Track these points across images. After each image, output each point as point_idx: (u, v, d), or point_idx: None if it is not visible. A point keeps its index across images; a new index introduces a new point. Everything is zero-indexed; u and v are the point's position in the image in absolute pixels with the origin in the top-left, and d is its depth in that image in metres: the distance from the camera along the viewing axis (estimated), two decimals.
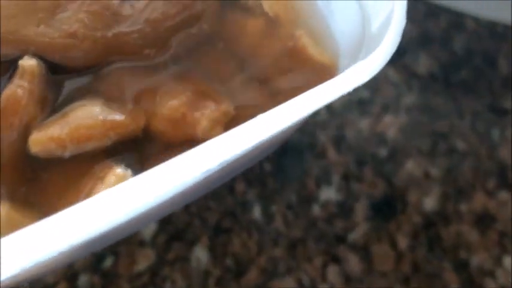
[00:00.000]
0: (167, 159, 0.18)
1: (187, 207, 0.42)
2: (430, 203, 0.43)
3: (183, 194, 0.19)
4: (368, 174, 0.44)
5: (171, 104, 0.22)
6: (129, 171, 0.21)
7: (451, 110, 0.47)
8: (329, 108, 0.46)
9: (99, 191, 0.19)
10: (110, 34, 0.22)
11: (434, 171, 0.44)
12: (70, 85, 0.23)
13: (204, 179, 0.17)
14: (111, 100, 0.22)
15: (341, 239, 0.42)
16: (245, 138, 0.18)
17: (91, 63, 0.23)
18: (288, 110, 0.19)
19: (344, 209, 0.43)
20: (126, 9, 0.23)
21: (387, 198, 0.44)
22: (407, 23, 0.51)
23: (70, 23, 0.22)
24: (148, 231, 0.41)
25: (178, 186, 0.17)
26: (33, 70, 0.21)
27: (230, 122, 0.22)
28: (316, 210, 0.43)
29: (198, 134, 0.22)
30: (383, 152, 0.45)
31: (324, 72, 0.23)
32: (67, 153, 0.21)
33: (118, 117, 0.21)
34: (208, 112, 0.22)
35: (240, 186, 0.43)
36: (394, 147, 0.45)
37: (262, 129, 0.18)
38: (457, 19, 0.50)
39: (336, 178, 0.44)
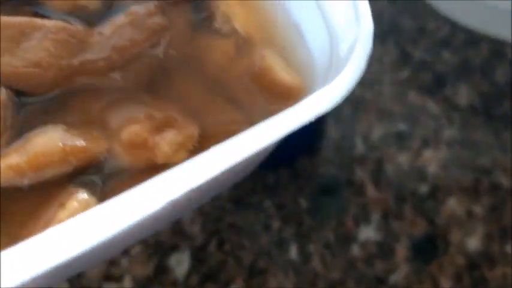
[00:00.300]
0: (131, 185, 0.18)
1: (220, 246, 0.41)
2: (473, 243, 0.42)
3: (153, 219, 0.18)
4: (408, 212, 0.43)
5: (132, 129, 0.22)
6: (93, 198, 0.21)
7: (494, 144, 0.45)
8: (367, 142, 0.45)
9: (61, 218, 0.19)
10: (75, 62, 0.22)
11: (478, 210, 0.43)
12: (33, 111, 0.23)
13: (169, 206, 0.17)
14: (74, 125, 0.22)
15: (382, 281, 0.40)
16: (194, 173, 0.18)
17: (55, 89, 0.22)
18: (247, 140, 0.19)
19: (384, 249, 0.42)
20: (94, 37, 0.22)
21: (428, 237, 0.42)
22: (447, 52, 0.50)
23: (35, 52, 0.22)
24: (181, 271, 0.40)
25: (138, 215, 0.17)
26: (6, 101, 0.21)
27: (200, 145, 0.22)
28: (355, 250, 0.41)
29: (158, 159, 0.21)
30: (423, 188, 0.43)
31: (291, 95, 0.22)
32: (26, 181, 0.21)
33: (78, 142, 0.21)
34: (170, 136, 0.21)
35: (275, 224, 0.42)
36: (435, 184, 0.44)
37: (215, 162, 0.18)
38: (498, 47, 0.49)
39: (375, 216, 0.42)
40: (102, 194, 0.21)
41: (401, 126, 0.46)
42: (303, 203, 0.43)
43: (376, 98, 0.46)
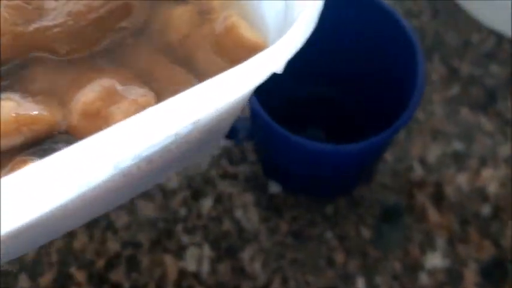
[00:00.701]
0: None
1: (284, 284, 0.40)
2: None
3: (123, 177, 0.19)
4: (473, 236, 0.41)
5: (86, 98, 0.21)
6: None
7: None
8: (424, 164, 0.43)
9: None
10: (31, 29, 0.21)
11: None
12: None
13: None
14: (29, 96, 0.21)
15: None
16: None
17: (9, 58, 0.22)
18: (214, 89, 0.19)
19: (452, 276, 0.40)
20: (50, 3, 0.22)
21: (496, 261, 0.41)
22: (494, 65, 0.48)
23: None
24: None
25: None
26: None
27: None
28: (423, 279, 0.40)
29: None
30: (486, 209, 0.42)
31: (257, 51, 0.21)
32: None
33: (32, 112, 0.20)
34: (125, 106, 0.20)
35: (339, 257, 0.40)
36: (498, 204, 0.42)
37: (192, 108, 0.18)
38: None
39: (440, 242, 0.41)
40: None
41: (457, 146, 0.44)
42: (365, 232, 0.41)
43: (428, 118, 0.45)
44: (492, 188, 0.43)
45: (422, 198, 0.42)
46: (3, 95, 0.21)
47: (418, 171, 0.43)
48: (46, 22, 0.22)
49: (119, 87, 0.21)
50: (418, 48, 0.34)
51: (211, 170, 0.43)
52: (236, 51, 0.23)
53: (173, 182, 0.42)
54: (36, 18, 0.22)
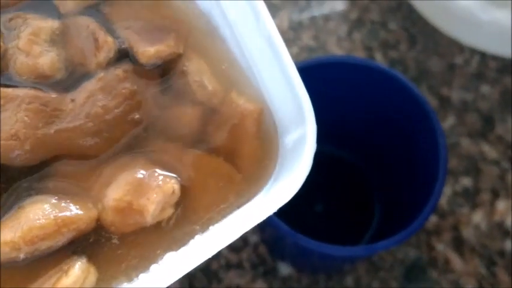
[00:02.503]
0: (122, 249, 0.22)
1: None
2: None
3: None
4: (502, 276, 0.39)
5: (116, 195, 0.22)
6: (91, 266, 0.22)
7: None
8: (436, 209, 0.41)
9: (65, 284, 0.21)
10: (51, 131, 0.23)
11: None
12: (16, 185, 0.23)
13: None
14: (61, 196, 0.23)
15: None
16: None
17: (35, 161, 0.23)
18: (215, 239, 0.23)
19: None
20: (67, 104, 0.23)
21: None
22: (484, 85, 0.47)
23: (11, 124, 0.22)
24: None
25: None
26: None
27: (183, 197, 0.23)
28: None
29: (148, 219, 0.22)
30: (509, 245, 0.40)
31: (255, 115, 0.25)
32: (22, 255, 0.21)
33: (69, 213, 0.22)
34: (153, 196, 0.22)
35: None
36: None
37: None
38: None
39: None
40: (96, 260, 0.22)
41: (466, 182, 0.42)
42: None
43: None
44: (510, 220, 0.41)
45: (442, 247, 0.40)
46: (39, 197, 0.22)
47: (433, 219, 0.41)
48: (66, 124, 0.23)
49: (143, 177, 0.23)
50: (439, 126, 0.33)
51: (212, 263, 0.39)
52: (241, 122, 0.25)
53: (173, 284, 0.39)
54: (56, 120, 0.23)
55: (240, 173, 0.24)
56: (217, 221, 0.24)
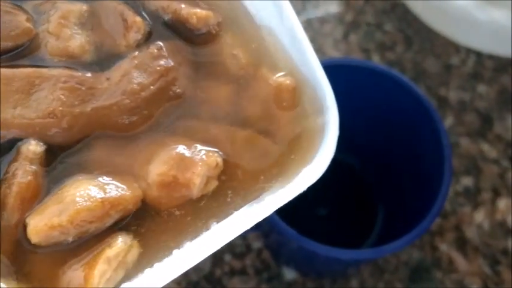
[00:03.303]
0: (168, 225, 0.23)
1: None
2: None
3: None
4: (506, 274, 0.40)
5: (160, 170, 0.23)
6: (134, 240, 0.22)
7: None
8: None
9: (108, 256, 0.21)
10: (88, 109, 0.23)
11: None
12: (56, 162, 0.23)
13: None
14: (103, 176, 0.23)
15: None
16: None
17: (73, 139, 0.23)
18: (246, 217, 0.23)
19: None
20: (102, 83, 0.24)
21: None
22: (481, 85, 0.47)
23: (47, 102, 0.23)
24: None
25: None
26: (41, 154, 0.23)
27: (225, 170, 0.24)
28: None
29: (194, 192, 0.23)
30: None
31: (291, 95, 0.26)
32: (70, 239, 0.22)
33: (116, 194, 0.22)
34: (198, 169, 0.23)
35: None
36: None
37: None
38: None
39: None
40: (142, 235, 0.23)
41: (466, 181, 0.43)
42: None
43: None
44: None
45: (445, 247, 0.40)
46: (82, 177, 0.23)
47: (436, 219, 0.41)
48: (102, 102, 0.23)
49: (185, 152, 0.23)
50: (443, 130, 0.34)
51: (216, 270, 0.39)
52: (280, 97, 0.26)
53: None
54: (92, 98, 0.23)
55: (276, 145, 0.25)
56: (256, 195, 0.24)
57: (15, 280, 0.21)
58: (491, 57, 0.47)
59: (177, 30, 0.25)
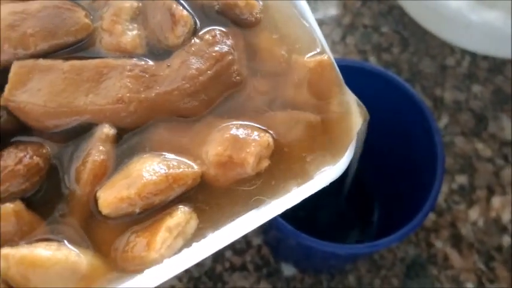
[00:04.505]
0: (226, 200, 0.25)
1: None
2: None
3: None
4: (501, 271, 0.41)
5: (217, 151, 0.24)
6: (193, 213, 0.24)
7: None
8: (434, 206, 0.42)
9: (168, 225, 0.23)
10: (152, 94, 0.25)
11: None
12: (119, 145, 0.25)
13: None
14: (165, 155, 0.25)
15: None
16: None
17: (138, 122, 0.25)
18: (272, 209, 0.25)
19: None
20: (163, 70, 0.25)
21: None
22: (476, 85, 0.48)
23: (116, 89, 0.25)
24: None
25: None
26: (112, 136, 0.25)
27: (276, 150, 0.26)
28: None
29: (249, 171, 0.25)
30: (507, 240, 0.42)
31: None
32: (137, 210, 0.24)
33: (178, 170, 0.24)
34: (251, 150, 0.24)
35: None
36: None
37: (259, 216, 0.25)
38: None
39: (470, 286, 0.40)
40: (198, 208, 0.25)
41: (461, 179, 0.44)
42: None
43: None
44: (506, 216, 0.42)
45: (441, 244, 0.41)
46: (147, 155, 0.25)
47: (431, 217, 0.42)
48: (164, 87, 0.25)
49: (238, 133, 0.25)
50: (437, 132, 0.35)
51: (216, 266, 0.40)
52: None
53: (178, 287, 0.39)
54: (155, 84, 0.25)
55: (324, 128, 0.26)
56: (303, 176, 0.26)
57: (87, 248, 0.24)
58: (485, 58, 0.48)
59: (227, 16, 0.27)
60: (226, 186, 0.25)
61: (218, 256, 0.40)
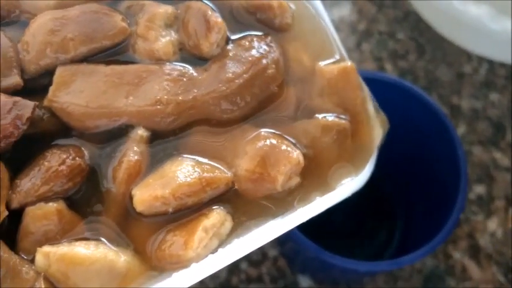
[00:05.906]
0: (254, 211, 0.25)
1: None
2: None
3: None
4: None
5: (248, 167, 0.25)
6: (228, 215, 0.25)
7: None
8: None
9: (204, 225, 0.24)
10: (190, 97, 0.26)
11: None
12: (154, 147, 0.26)
13: None
14: (199, 158, 0.26)
15: None
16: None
17: (175, 125, 0.26)
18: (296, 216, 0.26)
19: None
20: (201, 74, 0.26)
21: None
22: (494, 93, 0.47)
23: (154, 92, 0.25)
24: None
25: None
26: (146, 138, 0.25)
27: (306, 167, 0.26)
28: None
29: (278, 188, 0.25)
30: None
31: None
32: (171, 210, 0.24)
33: (211, 174, 0.25)
34: (282, 169, 0.25)
35: None
36: None
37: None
38: None
39: None
40: (230, 214, 0.25)
41: (479, 189, 0.43)
42: None
43: None
44: None
45: (459, 255, 0.41)
46: (182, 158, 0.25)
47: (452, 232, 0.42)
48: (201, 91, 0.26)
49: (270, 149, 0.25)
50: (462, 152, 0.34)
51: (232, 278, 0.40)
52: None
53: None
54: (192, 88, 0.26)
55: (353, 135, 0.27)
56: (326, 186, 0.26)
57: (125, 247, 0.24)
58: (503, 65, 0.48)
59: (259, 20, 0.28)
60: (255, 199, 0.25)
61: (234, 267, 0.40)
